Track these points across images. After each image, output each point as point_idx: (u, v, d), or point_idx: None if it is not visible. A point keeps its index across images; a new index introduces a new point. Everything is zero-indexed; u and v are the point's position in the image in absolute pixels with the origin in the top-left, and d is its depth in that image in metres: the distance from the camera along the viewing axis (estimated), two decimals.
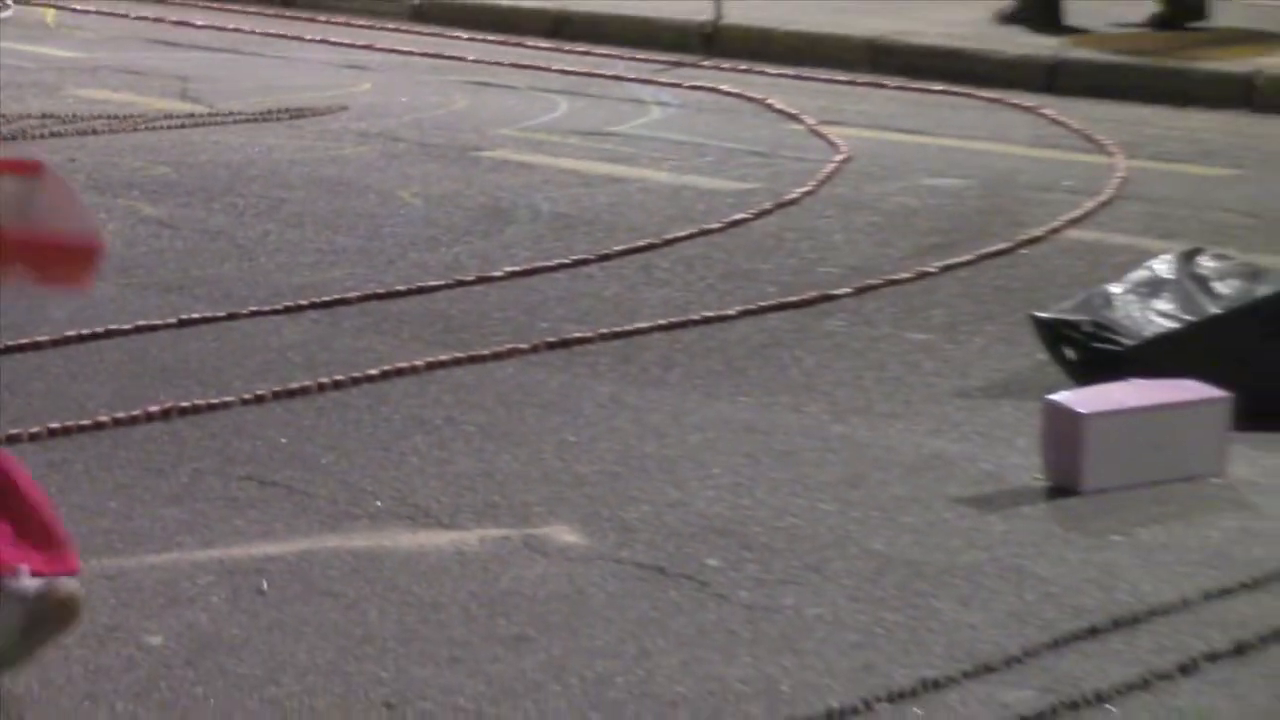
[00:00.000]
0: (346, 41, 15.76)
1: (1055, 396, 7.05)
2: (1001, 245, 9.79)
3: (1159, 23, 15.78)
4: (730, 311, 8.84)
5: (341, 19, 16.78)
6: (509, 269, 9.54)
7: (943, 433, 7.43)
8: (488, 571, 6.26)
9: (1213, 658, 5.64)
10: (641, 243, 9.91)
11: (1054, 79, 13.69)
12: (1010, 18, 15.94)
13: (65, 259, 4.63)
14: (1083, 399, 7.01)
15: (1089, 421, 6.87)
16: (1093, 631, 5.84)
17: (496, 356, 8.28)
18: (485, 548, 6.41)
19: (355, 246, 9.67)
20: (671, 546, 6.47)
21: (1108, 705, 5.39)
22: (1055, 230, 10.10)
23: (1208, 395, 7.04)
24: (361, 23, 16.78)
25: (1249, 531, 6.53)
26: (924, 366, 8.19)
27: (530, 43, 15.81)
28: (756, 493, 6.91)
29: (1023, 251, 9.76)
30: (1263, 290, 7.62)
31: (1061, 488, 6.86)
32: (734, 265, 9.60)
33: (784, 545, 6.49)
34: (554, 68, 14.87)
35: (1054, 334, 7.81)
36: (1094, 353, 7.60)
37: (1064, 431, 6.92)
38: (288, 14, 18.17)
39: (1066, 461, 6.89)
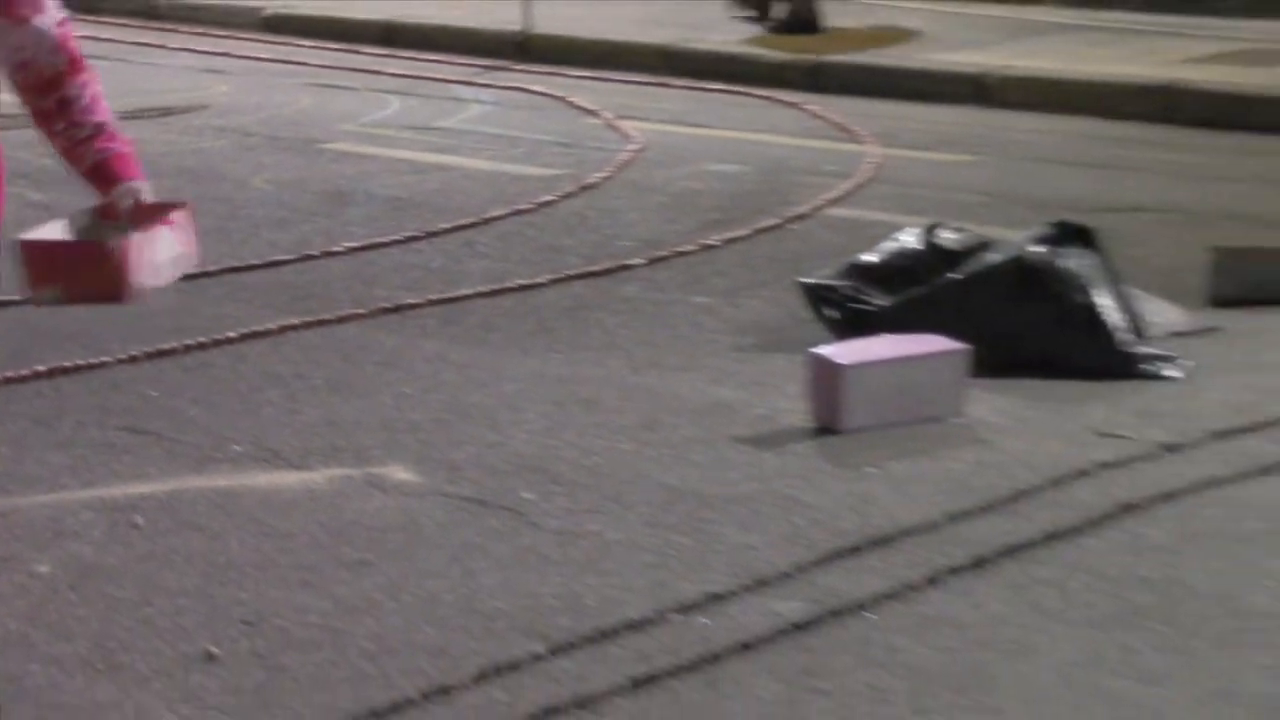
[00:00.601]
0: (206, 49, 15.66)
1: (819, 350, 7.09)
2: (773, 221, 9.83)
3: (786, 29, 15.86)
4: (541, 280, 8.85)
5: (201, 29, 16.67)
6: (349, 245, 9.53)
7: (724, 382, 7.46)
8: (333, 506, 6.27)
9: (955, 571, 5.71)
10: (464, 221, 9.91)
11: (816, 79, 13.74)
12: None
13: (85, 269, 4.41)
14: (842, 352, 7.06)
15: (848, 371, 6.91)
16: (853, 550, 5.90)
17: (339, 320, 8.28)
18: (331, 485, 6.42)
19: (215, 226, 9.61)
20: (492, 482, 6.49)
21: (866, 613, 5.45)
22: (818, 208, 10.14)
23: (948, 348, 7.10)
24: (219, 33, 16.68)
25: (984, 463, 6.60)
26: (707, 326, 8.22)
27: (366, 50, 15.76)
28: (565, 435, 6.93)
29: (791, 227, 9.80)
30: (994, 259, 7.68)
31: (825, 428, 6.91)
32: (544, 240, 9.61)
33: (588, 480, 6.52)
34: (387, 71, 14.83)
35: (817, 296, 7.85)
36: (852, 312, 7.65)
37: (826, 380, 6.96)
38: (153, 25, 18.04)
39: (829, 406, 6.94)
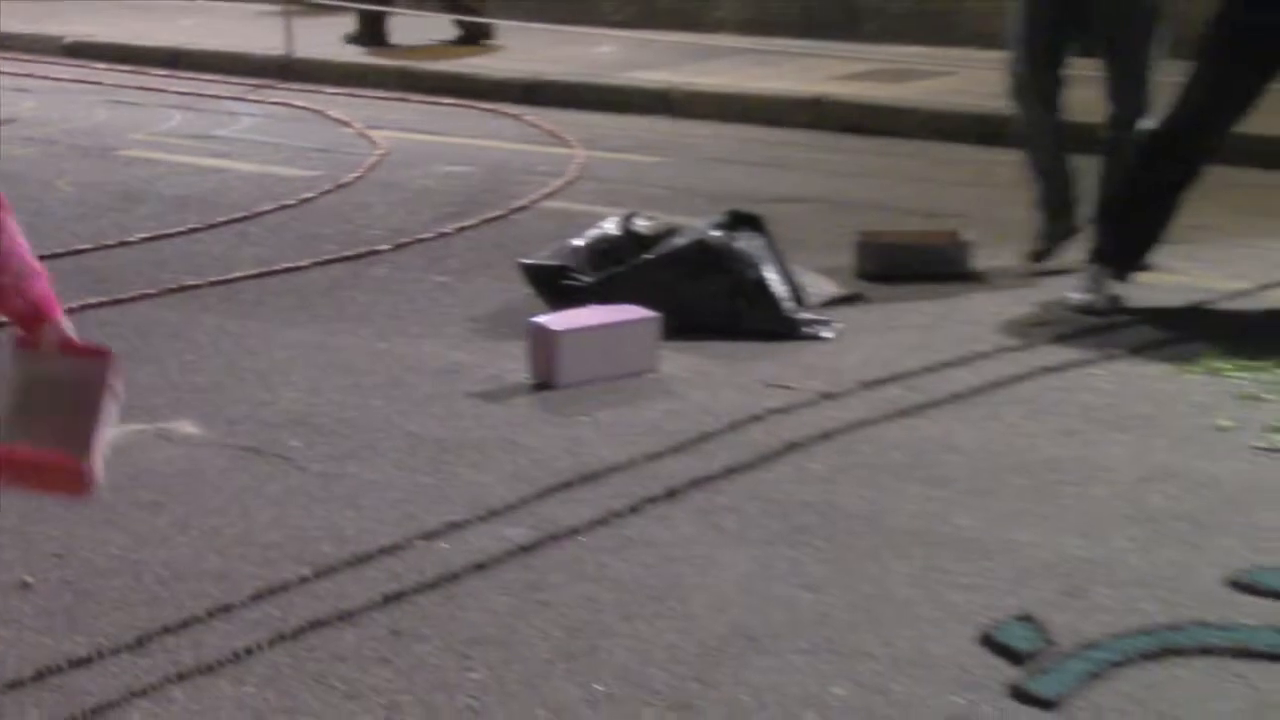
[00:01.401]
0: (13, 71, 15.32)
1: (537, 319, 7.08)
2: (498, 213, 9.80)
3: (461, 40, 15.90)
4: (303, 263, 8.76)
5: (9, 55, 16.31)
6: (140, 235, 9.39)
7: (458, 347, 7.43)
8: (129, 456, 6.16)
9: (651, 500, 5.73)
10: (237, 215, 9.80)
11: (532, 94, 13.72)
12: (353, 40, 16.02)
13: (50, 477, 4.03)
14: (556, 320, 7.05)
15: (561, 336, 6.91)
16: (567, 485, 5.89)
17: (132, 299, 8.15)
18: (127, 439, 6.29)
19: (25, 222, 9.14)
20: (264, 433, 6.42)
21: (579, 537, 5.46)
22: (535, 201, 10.12)
23: (644, 315, 7.11)
24: (25, 57, 16.33)
25: (674, 411, 6.61)
26: (444, 300, 8.18)
27: (153, 72, 15.51)
28: (325, 393, 6.87)
29: (513, 217, 9.77)
30: (680, 241, 7.70)
31: (543, 384, 6.89)
32: (305, 230, 9.53)
33: (346, 430, 6.46)
34: (171, 90, 14.60)
35: (535, 275, 7.83)
36: (564, 288, 7.64)
37: (543, 344, 6.95)
38: None
39: (546, 365, 6.92)
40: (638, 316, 7.15)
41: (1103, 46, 8.24)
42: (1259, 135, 7.90)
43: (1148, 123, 8.01)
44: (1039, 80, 8.29)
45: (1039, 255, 8.45)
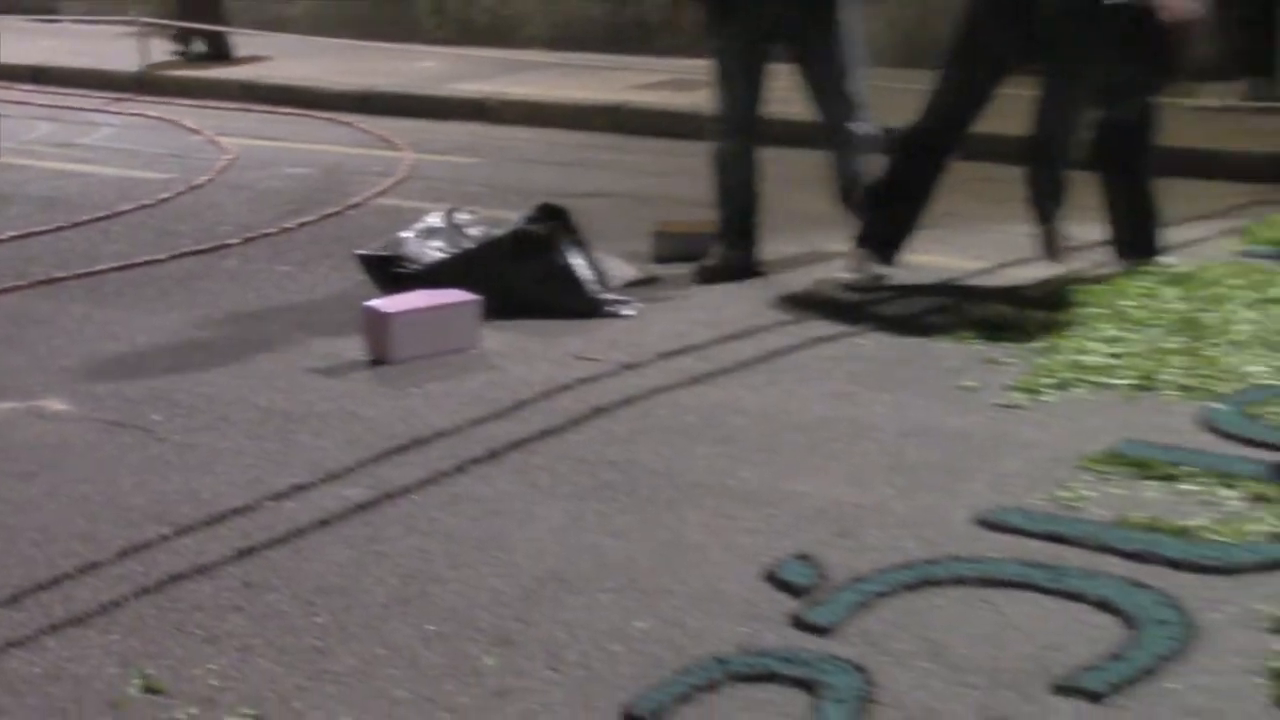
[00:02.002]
0: None
1: (371, 302, 7.05)
2: (335, 209, 9.73)
3: (207, 58, 15.80)
4: (161, 257, 8.67)
5: None
6: (11, 234, 9.24)
7: (301, 328, 7.39)
8: (4, 432, 6.13)
9: (475, 461, 5.76)
10: (100, 214, 9.67)
11: (365, 103, 13.64)
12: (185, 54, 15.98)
13: None
14: (388, 304, 7.02)
15: (393, 318, 6.88)
16: (400, 449, 5.88)
17: (4, 291, 8.03)
18: (2, 416, 6.27)
19: None
20: (127, 409, 6.36)
21: (411, 495, 5.46)
22: (369, 199, 10.07)
23: (466, 298, 7.10)
24: None
25: (495, 382, 6.61)
26: (289, 288, 8.12)
27: (19, 86, 15.24)
28: (182, 371, 6.80)
29: (348, 213, 9.71)
30: (497, 232, 7.70)
31: (378, 360, 6.87)
32: (162, 227, 9.42)
33: (201, 404, 6.41)
34: (36, 102, 14.36)
35: (369, 263, 7.79)
36: (395, 275, 7.61)
37: (378, 325, 6.92)
38: None
39: (380, 344, 6.90)
40: (461, 299, 7.14)
41: (798, 63, 8.26)
42: (993, 134, 7.99)
43: (862, 125, 8.17)
44: (739, 111, 8.23)
45: (712, 274, 8.23)
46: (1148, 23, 6.94)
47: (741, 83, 8.11)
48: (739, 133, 8.20)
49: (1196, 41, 7.02)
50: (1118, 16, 7.06)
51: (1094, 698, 4.14)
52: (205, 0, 15.87)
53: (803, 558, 4.93)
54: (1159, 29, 6.92)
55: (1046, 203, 7.68)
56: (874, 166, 8.13)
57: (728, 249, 8.18)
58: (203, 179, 10.72)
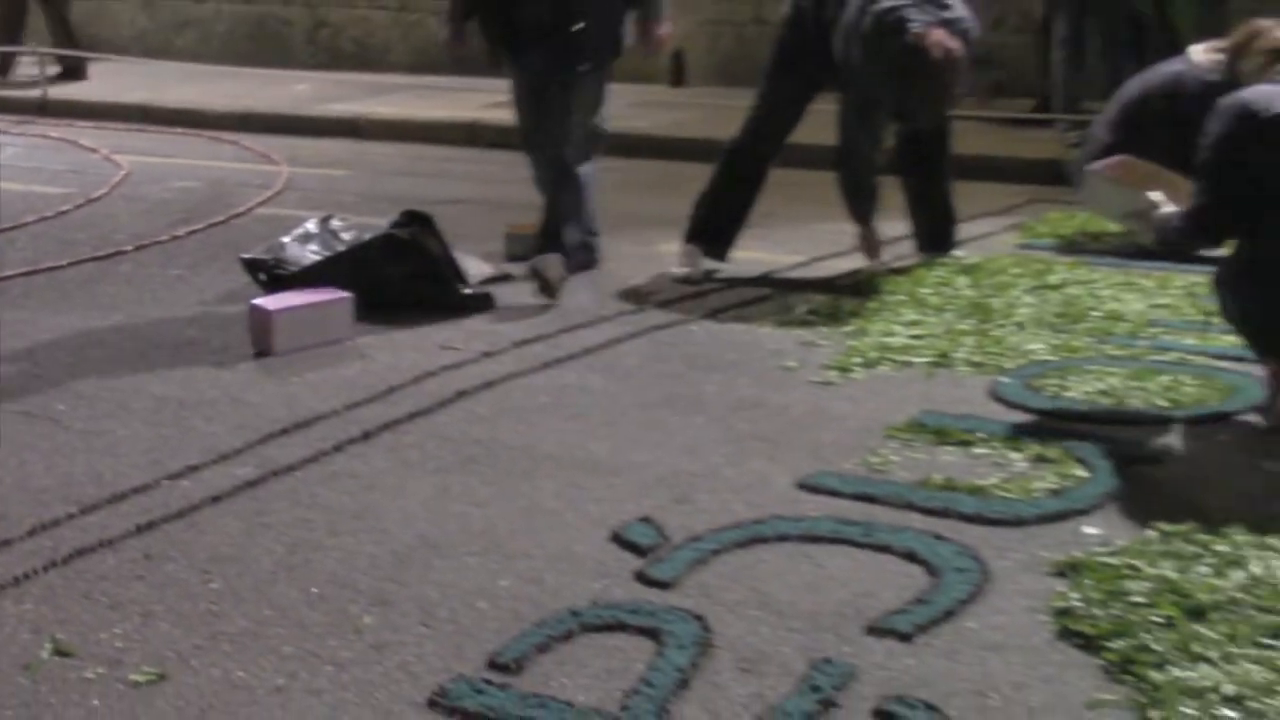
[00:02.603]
0: None
1: (256, 300, 6.98)
2: (220, 218, 9.60)
3: (63, 77, 15.43)
4: (63, 263, 8.50)
5: None
6: None
7: (192, 325, 7.28)
8: None
9: (351, 441, 5.72)
10: (5, 226, 9.46)
11: (247, 122, 13.49)
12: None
13: None
14: (271, 301, 6.94)
15: (275, 314, 6.81)
16: (284, 431, 5.82)
17: None
18: None
19: None
20: (36, 400, 6.23)
21: (295, 472, 5.42)
22: (251, 209, 9.93)
23: (341, 295, 7.05)
24: None
25: (368, 370, 6.57)
26: (180, 289, 8.00)
27: None
28: (84, 366, 6.68)
29: (233, 221, 9.58)
30: (368, 236, 7.62)
31: (262, 353, 6.79)
32: (64, 237, 9.23)
33: (104, 394, 6.30)
34: None
35: (252, 266, 7.70)
36: (277, 276, 7.53)
37: (262, 321, 6.84)
38: None
39: (264, 338, 6.83)
40: (336, 296, 7.07)
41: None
42: (807, 144, 8.04)
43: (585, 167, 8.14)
44: (543, 130, 8.03)
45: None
46: (920, 57, 7.05)
47: (540, 111, 7.99)
48: (546, 147, 8.08)
49: (961, 74, 7.15)
50: (896, 50, 7.16)
51: (903, 637, 4.18)
52: (58, 23, 15.42)
53: (645, 520, 4.93)
54: (930, 63, 7.03)
55: (860, 207, 7.73)
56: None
57: (543, 260, 7.91)
58: (100, 192, 10.54)
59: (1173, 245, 5.70)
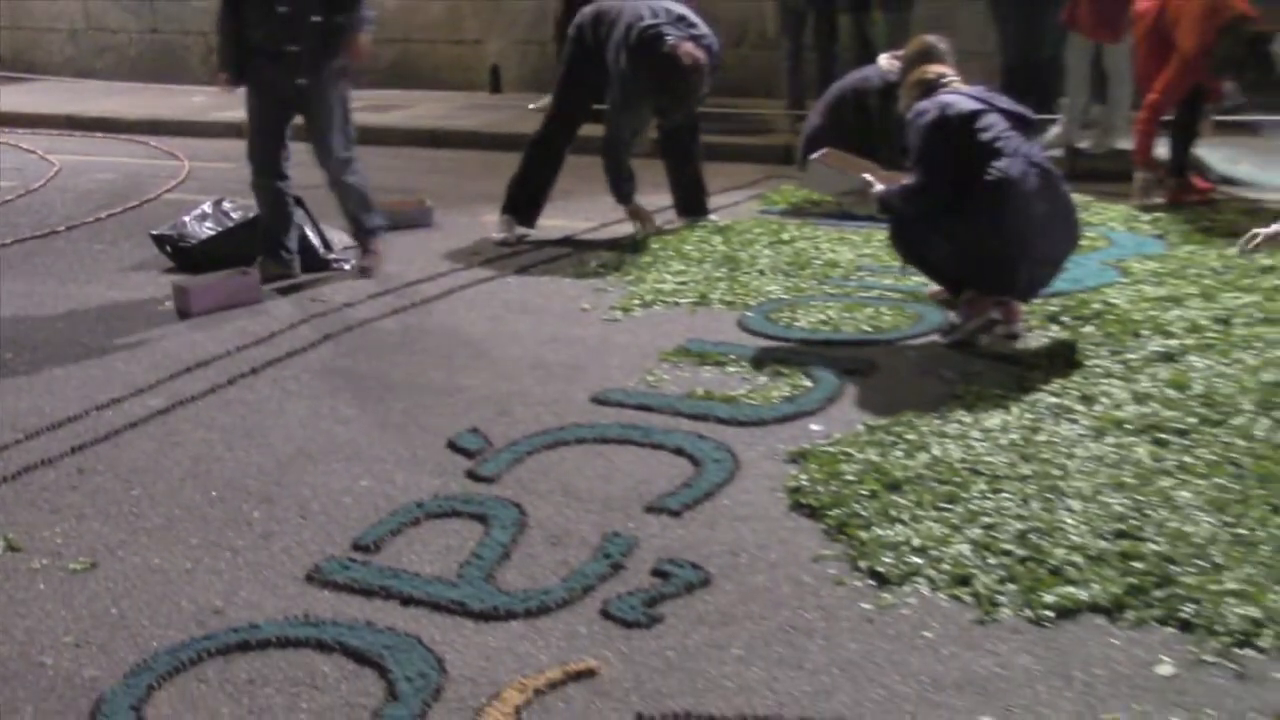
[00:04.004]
0: None
1: (176, 279, 6.79)
2: (135, 203, 9.32)
3: None
4: (7, 241, 8.20)
5: None
6: None
7: (115, 288, 7.07)
8: None
9: (242, 375, 5.61)
10: None
11: (154, 128, 13.07)
12: None
13: None
14: (184, 281, 6.78)
15: (192, 291, 6.59)
16: (188, 369, 5.71)
17: None
18: None
19: None
20: None
21: (197, 401, 5.27)
22: (159, 195, 9.65)
23: (246, 270, 6.88)
24: None
25: (255, 320, 6.42)
26: (104, 260, 7.76)
27: None
28: (30, 322, 6.45)
29: (145, 206, 9.30)
30: (252, 215, 7.40)
31: (184, 314, 6.57)
32: (7, 221, 8.87)
33: (43, 345, 6.11)
34: None
35: (160, 240, 7.50)
36: (179, 248, 7.35)
37: (183, 292, 6.61)
38: None
39: (185, 303, 6.58)
40: (239, 273, 6.88)
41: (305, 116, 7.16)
42: (595, 135, 7.98)
43: (350, 176, 7.21)
44: (264, 153, 7.09)
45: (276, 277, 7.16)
46: (673, 64, 7.09)
47: (265, 132, 7.08)
48: (262, 173, 7.13)
49: (706, 79, 7.21)
50: (654, 59, 7.17)
51: (674, 514, 4.20)
52: None
53: (474, 430, 4.90)
54: (681, 69, 7.08)
55: (621, 187, 7.71)
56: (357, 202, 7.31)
57: (264, 260, 7.18)
58: (37, 185, 10.17)
59: (896, 212, 5.77)
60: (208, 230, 7.47)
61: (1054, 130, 9.62)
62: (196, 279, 6.78)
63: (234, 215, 7.57)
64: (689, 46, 7.14)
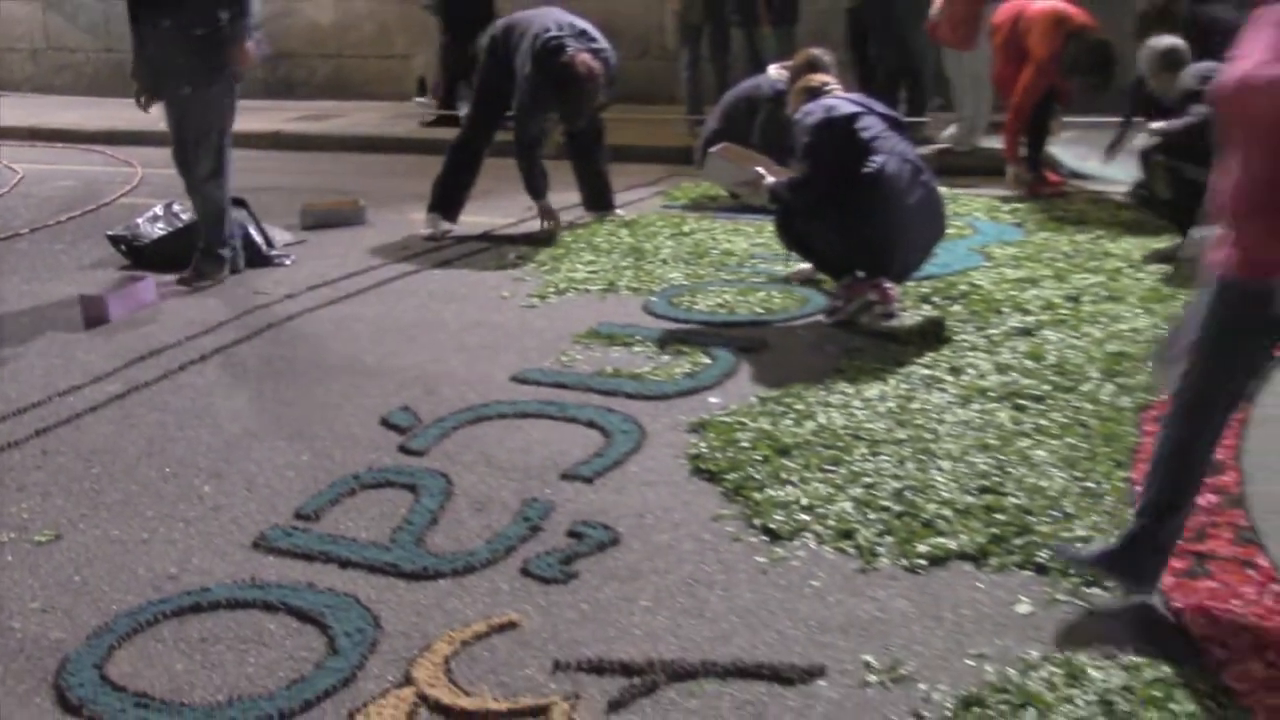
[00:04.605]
0: None
1: (86, 293, 6.46)
2: (93, 207, 9.12)
3: None
4: None
5: None
6: None
7: (74, 286, 6.86)
8: None
9: (193, 362, 5.51)
10: None
11: (111, 137, 12.79)
12: None
13: None
14: (112, 293, 6.62)
15: (108, 298, 6.26)
16: (142, 358, 5.60)
17: None
18: None
19: None
20: None
21: (151, 386, 5.17)
22: (116, 199, 9.44)
23: (145, 280, 6.74)
24: None
25: (203, 310, 6.31)
26: (63, 259, 7.58)
27: None
28: None
29: (102, 209, 9.09)
30: (194, 218, 7.26)
31: (96, 320, 6.30)
32: None
33: (7, 337, 5.96)
34: None
35: (116, 240, 7.34)
36: (134, 248, 7.21)
37: (94, 305, 6.26)
38: None
39: (97, 312, 6.23)
40: (150, 285, 6.75)
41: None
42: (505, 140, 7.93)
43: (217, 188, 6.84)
44: (193, 160, 6.82)
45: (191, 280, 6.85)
46: (572, 73, 7.09)
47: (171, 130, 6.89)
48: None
49: (602, 88, 7.23)
50: (555, 68, 7.16)
51: (586, 480, 4.20)
52: None
53: (405, 409, 4.86)
54: (577, 78, 7.10)
55: (535, 184, 7.67)
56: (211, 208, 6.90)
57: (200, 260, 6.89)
58: (2, 191, 9.93)
59: (785, 204, 5.78)
60: (159, 230, 7.34)
61: (950, 130, 9.70)
62: (121, 290, 6.42)
63: (184, 217, 7.43)
64: (586, 57, 7.15)
